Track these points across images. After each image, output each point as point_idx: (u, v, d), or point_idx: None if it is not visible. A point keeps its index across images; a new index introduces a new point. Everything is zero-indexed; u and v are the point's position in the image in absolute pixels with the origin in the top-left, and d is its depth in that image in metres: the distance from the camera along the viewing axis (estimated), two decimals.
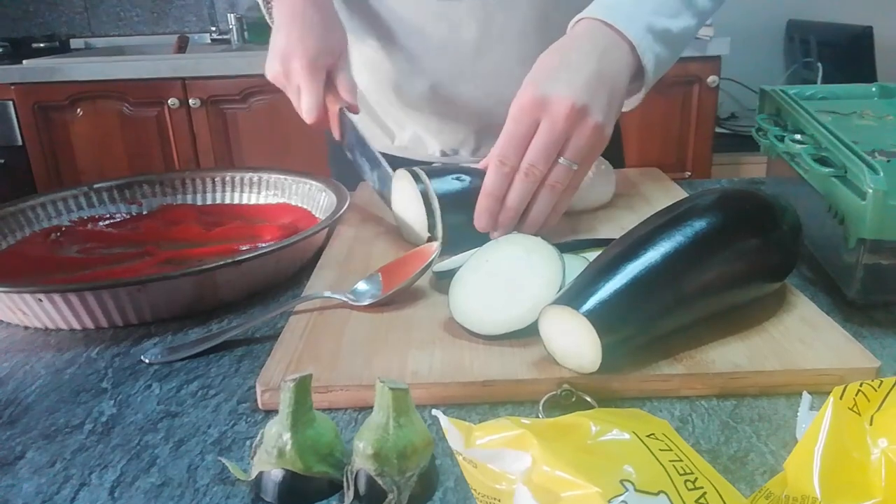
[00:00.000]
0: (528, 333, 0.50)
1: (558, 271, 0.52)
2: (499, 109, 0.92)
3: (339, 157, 1.08)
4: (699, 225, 0.50)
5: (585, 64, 0.64)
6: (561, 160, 0.63)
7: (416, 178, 0.68)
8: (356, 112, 0.78)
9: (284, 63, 0.75)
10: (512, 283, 0.53)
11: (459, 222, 0.66)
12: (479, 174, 0.66)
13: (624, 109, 0.70)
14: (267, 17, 0.84)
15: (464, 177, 0.68)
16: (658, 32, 0.68)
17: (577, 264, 0.55)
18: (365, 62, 0.96)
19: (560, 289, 0.51)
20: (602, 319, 0.45)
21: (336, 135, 0.80)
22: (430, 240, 0.67)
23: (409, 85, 0.93)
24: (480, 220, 0.65)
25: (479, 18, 0.86)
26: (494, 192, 0.64)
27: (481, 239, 0.61)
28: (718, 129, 2.27)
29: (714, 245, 0.50)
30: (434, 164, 0.82)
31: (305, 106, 0.75)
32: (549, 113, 0.62)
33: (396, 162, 0.99)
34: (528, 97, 0.63)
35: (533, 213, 0.65)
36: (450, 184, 0.68)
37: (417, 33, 0.88)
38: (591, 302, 0.46)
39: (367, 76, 0.96)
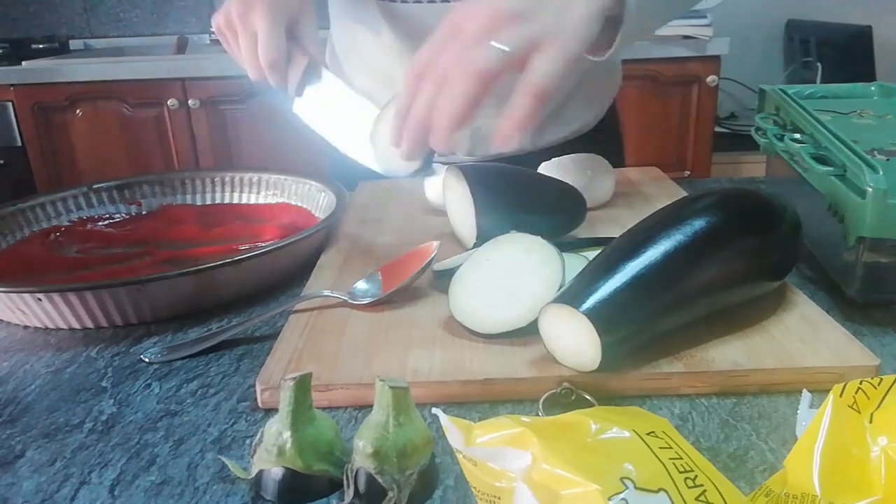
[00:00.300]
0: (528, 332, 0.50)
1: (558, 270, 0.52)
2: (486, 112, 0.93)
3: (340, 156, 1.08)
4: (699, 224, 0.50)
5: None
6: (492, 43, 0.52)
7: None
8: (321, 65, 0.71)
9: (245, 3, 0.69)
10: (512, 281, 0.53)
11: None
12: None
13: (596, 58, 0.61)
14: None
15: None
16: None
17: (577, 263, 0.55)
18: (361, 63, 0.96)
19: (560, 288, 0.51)
20: (602, 318, 0.45)
21: (292, 89, 0.72)
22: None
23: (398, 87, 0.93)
24: (410, 128, 0.55)
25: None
26: (411, 100, 0.55)
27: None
28: (718, 129, 2.27)
29: (714, 244, 0.50)
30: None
31: (264, 43, 0.68)
32: (468, 17, 0.54)
33: None
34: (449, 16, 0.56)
35: (445, 111, 0.53)
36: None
37: (404, 27, 0.88)
38: (591, 301, 0.46)
39: (365, 78, 0.96)
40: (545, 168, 0.79)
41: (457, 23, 0.55)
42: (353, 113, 0.71)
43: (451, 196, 0.71)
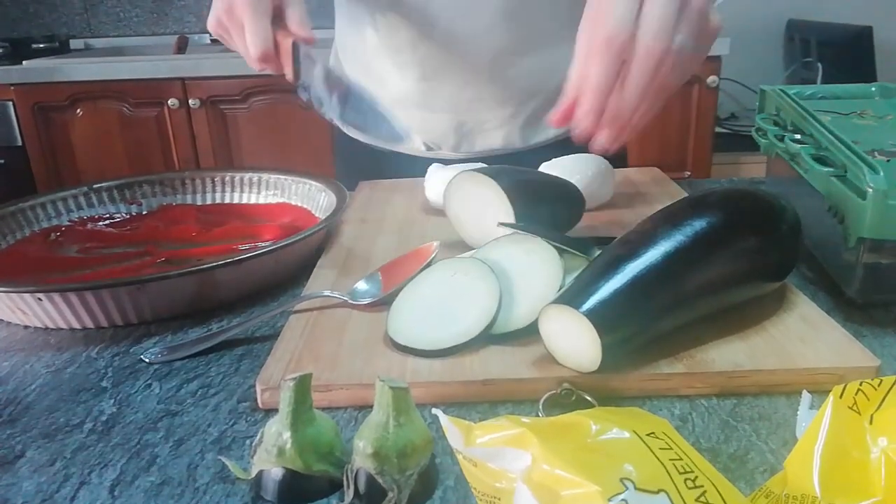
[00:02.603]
0: (528, 333, 0.50)
1: (558, 271, 0.52)
2: (473, 106, 0.93)
3: (343, 152, 1.08)
4: (699, 224, 0.50)
5: None
6: (677, 38, 0.51)
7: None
8: (311, 43, 0.70)
9: (228, 1, 0.68)
10: (512, 282, 0.53)
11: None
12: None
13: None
14: None
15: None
16: None
17: (577, 264, 0.55)
18: (353, 57, 0.97)
19: (560, 289, 0.51)
20: (602, 319, 0.45)
21: (289, 74, 0.72)
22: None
23: (392, 80, 0.94)
24: (586, 121, 0.53)
25: (450, 12, 0.86)
26: (603, 85, 0.52)
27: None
28: (718, 129, 2.27)
29: (714, 244, 0.50)
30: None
31: (250, 37, 0.67)
32: None
33: (394, 160, 1.00)
34: None
35: (643, 109, 0.53)
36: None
37: (400, 27, 0.89)
38: (592, 301, 0.46)
39: (356, 71, 0.97)
40: (546, 168, 0.79)
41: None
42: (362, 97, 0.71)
43: (463, 199, 0.68)
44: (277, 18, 0.69)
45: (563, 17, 0.70)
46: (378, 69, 0.95)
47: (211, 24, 0.72)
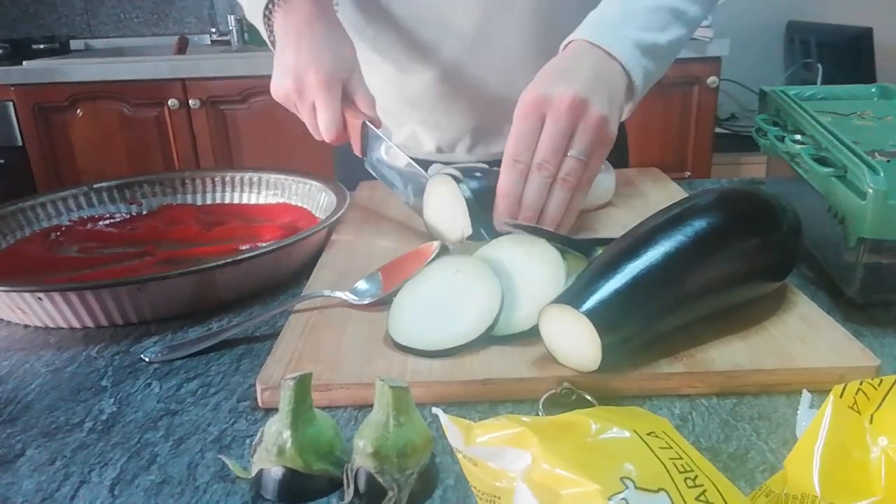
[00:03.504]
0: (529, 333, 0.50)
1: (560, 274, 0.52)
2: (494, 107, 0.92)
3: (343, 154, 1.08)
4: (699, 224, 0.50)
5: (581, 70, 0.66)
6: (571, 152, 0.64)
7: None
8: (378, 126, 0.75)
9: (298, 79, 0.72)
10: (513, 283, 0.53)
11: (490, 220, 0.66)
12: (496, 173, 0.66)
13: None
14: (266, 36, 0.80)
15: (486, 174, 0.69)
16: (646, 47, 0.69)
17: (578, 264, 0.55)
18: (362, 59, 0.96)
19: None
20: (602, 318, 0.45)
21: (357, 150, 0.76)
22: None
23: (407, 80, 0.93)
24: (501, 221, 0.65)
25: (475, 15, 0.86)
26: (511, 191, 0.64)
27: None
28: (718, 130, 2.27)
29: (714, 245, 0.50)
30: (436, 164, 0.82)
31: (324, 122, 0.72)
32: (552, 108, 0.63)
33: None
34: (530, 97, 0.64)
35: (550, 210, 0.65)
36: (480, 182, 0.68)
37: (415, 30, 0.88)
38: (592, 301, 0.46)
39: (365, 72, 0.97)
40: None
41: (542, 101, 0.64)
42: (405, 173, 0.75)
43: (439, 199, 0.70)
44: (345, 96, 0.74)
45: None
46: (389, 69, 0.93)
47: (278, 95, 0.75)
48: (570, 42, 0.70)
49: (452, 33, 0.87)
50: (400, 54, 0.91)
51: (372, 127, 0.73)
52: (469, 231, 0.66)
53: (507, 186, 0.64)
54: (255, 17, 0.79)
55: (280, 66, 0.73)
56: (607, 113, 0.64)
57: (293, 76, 0.72)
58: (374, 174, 0.78)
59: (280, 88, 0.74)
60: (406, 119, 0.98)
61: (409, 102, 0.95)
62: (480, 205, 0.65)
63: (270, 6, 0.76)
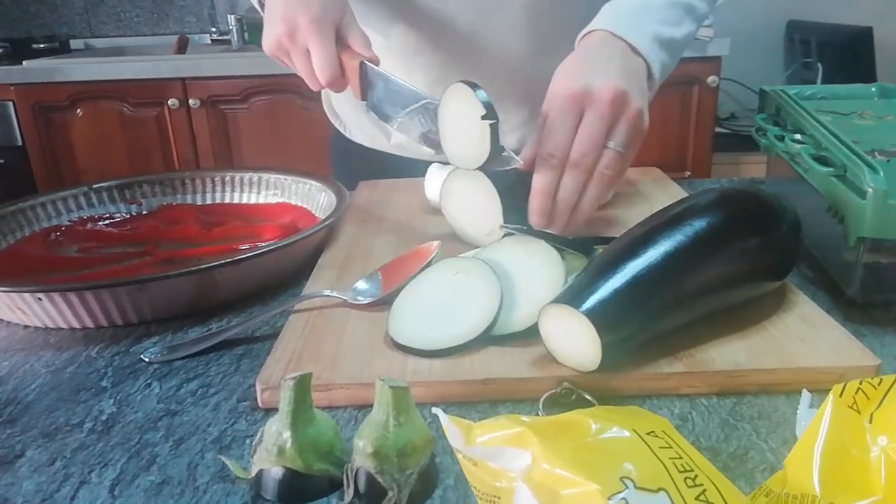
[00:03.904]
0: (529, 333, 0.50)
1: (560, 274, 0.52)
2: (512, 106, 0.92)
3: (339, 156, 1.08)
4: (699, 224, 0.50)
5: (614, 61, 0.65)
6: (610, 144, 0.63)
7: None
8: (377, 63, 0.71)
9: (288, 23, 0.69)
10: (513, 284, 0.53)
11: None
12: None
13: None
14: (257, 6, 0.79)
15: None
16: (663, 41, 0.70)
17: (578, 264, 0.55)
18: None
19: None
20: (602, 318, 0.45)
21: (357, 94, 0.73)
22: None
23: (403, 79, 0.93)
24: (535, 218, 0.63)
25: (471, 14, 0.86)
26: (546, 188, 0.63)
27: None
28: (718, 129, 2.27)
29: (714, 244, 0.50)
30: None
31: (319, 64, 0.68)
32: (593, 101, 0.62)
33: (393, 161, 0.99)
34: (567, 91, 0.63)
35: (584, 204, 0.64)
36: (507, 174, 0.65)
37: (412, 29, 0.88)
38: (592, 301, 0.46)
39: None
40: None
41: (582, 94, 0.62)
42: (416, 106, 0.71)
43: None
44: (339, 40, 0.71)
45: (585, 21, 0.71)
46: (388, 69, 0.93)
47: (270, 45, 0.72)
48: (589, 32, 0.69)
49: (448, 33, 0.87)
50: (398, 56, 0.91)
51: (370, 65, 0.70)
52: (499, 225, 0.64)
53: (543, 184, 0.63)
54: None
55: (270, 16, 0.71)
56: (643, 105, 0.64)
57: (283, 20, 0.70)
58: (376, 116, 0.74)
59: (271, 38, 0.72)
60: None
61: None
62: (508, 196, 0.64)
63: None
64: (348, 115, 1.05)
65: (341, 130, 1.06)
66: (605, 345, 0.45)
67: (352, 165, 1.04)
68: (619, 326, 0.46)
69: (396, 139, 1.00)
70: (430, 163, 0.84)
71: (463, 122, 0.63)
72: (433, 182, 0.79)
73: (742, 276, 0.52)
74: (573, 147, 0.62)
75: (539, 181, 0.63)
